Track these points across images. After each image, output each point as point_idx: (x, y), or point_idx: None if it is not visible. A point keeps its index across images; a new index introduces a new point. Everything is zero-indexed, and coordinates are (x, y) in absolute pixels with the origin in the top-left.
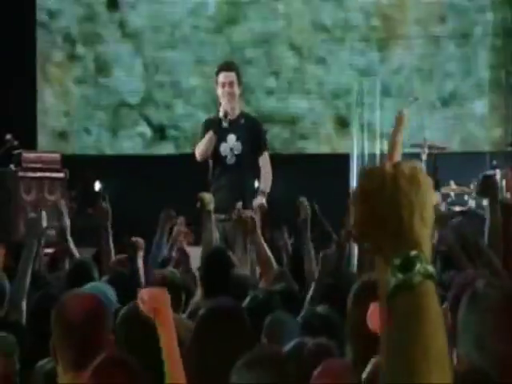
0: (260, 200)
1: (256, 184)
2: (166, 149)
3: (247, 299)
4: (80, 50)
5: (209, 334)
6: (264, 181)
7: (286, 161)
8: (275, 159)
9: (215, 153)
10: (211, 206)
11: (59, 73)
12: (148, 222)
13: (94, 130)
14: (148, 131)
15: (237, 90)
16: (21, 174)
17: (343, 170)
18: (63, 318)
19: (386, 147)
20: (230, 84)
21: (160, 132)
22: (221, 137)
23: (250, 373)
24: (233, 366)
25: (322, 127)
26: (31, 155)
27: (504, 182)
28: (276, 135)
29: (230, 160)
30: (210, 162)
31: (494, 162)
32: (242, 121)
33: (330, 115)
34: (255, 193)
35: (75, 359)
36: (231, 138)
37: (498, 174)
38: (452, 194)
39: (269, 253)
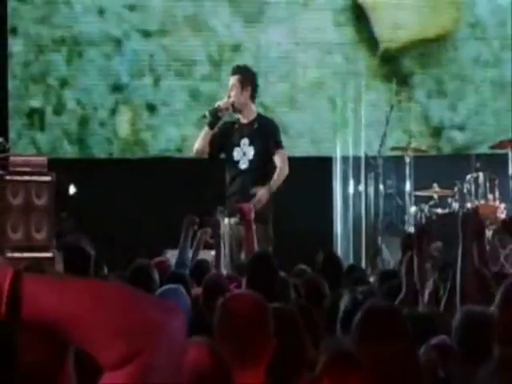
0: (261, 193)
1: None
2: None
3: (345, 300)
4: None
5: None
6: (276, 176)
7: None
8: None
9: (229, 158)
10: (252, 215)
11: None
12: (127, 226)
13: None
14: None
15: (239, 94)
16: (8, 177)
17: (326, 173)
18: (232, 316)
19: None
20: (232, 87)
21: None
22: (234, 141)
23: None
24: None
25: (306, 130)
26: (18, 158)
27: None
28: None
29: (243, 165)
30: (226, 166)
31: (478, 165)
32: (256, 125)
33: (311, 119)
34: None
35: (242, 357)
36: (244, 142)
37: (480, 176)
38: (435, 196)
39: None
